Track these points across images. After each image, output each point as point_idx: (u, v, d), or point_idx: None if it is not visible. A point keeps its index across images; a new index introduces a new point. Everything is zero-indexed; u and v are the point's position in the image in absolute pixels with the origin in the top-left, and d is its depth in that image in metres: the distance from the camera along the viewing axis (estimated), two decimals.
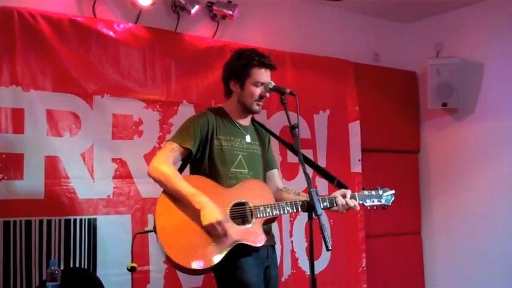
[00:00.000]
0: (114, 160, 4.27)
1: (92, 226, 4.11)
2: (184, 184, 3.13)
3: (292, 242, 5.09)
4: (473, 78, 5.80)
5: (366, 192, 3.46)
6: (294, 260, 5.10)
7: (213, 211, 3.07)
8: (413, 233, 6.16)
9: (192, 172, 3.39)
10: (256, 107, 3.40)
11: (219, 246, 3.09)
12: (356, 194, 3.41)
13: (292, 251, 5.09)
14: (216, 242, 3.09)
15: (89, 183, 4.13)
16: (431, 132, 6.20)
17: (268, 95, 3.41)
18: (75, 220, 4.05)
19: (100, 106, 4.23)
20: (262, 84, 3.36)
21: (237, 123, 3.44)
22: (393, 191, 3.52)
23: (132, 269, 3.40)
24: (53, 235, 3.95)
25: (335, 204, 3.31)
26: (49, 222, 3.94)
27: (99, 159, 4.19)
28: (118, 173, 4.26)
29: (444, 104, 5.80)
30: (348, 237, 5.47)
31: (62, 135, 4.07)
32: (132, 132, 4.36)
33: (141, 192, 4.33)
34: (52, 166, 3.99)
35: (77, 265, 4.02)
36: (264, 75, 3.38)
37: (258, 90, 3.36)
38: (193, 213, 3.09)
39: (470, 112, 5.85)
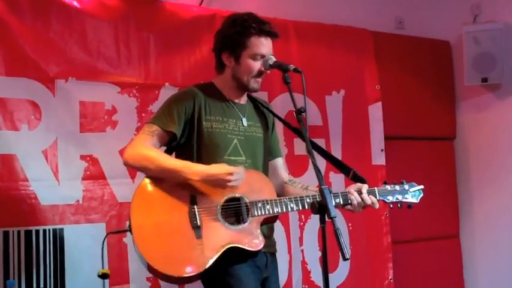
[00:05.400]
0: (83, 157, 4.27)
1: (58, 238, 4.11)
2: (172, 159, 3.20)
3: (302, 251, 5.12)
4: None
5: (388, 187, 3.44)
6: (306, 273, 5.11)
7: (219, 166, 3.14)
8: (451, 236, 6.18)
9: None
10: (254, 85, 3.39)
11: (208, 249, 3.10)
12: (376, 189, 3.40)
13: (303, 262, 5.11)
14: (205, 244, 3.10)
15: (53, 186, 4.14)
16: (470, 114, 6.21)
17: (268, 71, 3.40)
18: (37, 231, 4.04)
19: (64, 92, 4.23)
20: (262, 56, 3.35)
21: (231, 101, 3.44)
22: (421, 186, 3.49)
23: (103, 276, 3.41)
24: (10, 250, 3.94)
25: (350, 202, 3.31)
26: (6, 234, 3.93)
27: (64, 156, 4.19)
28: (88, 173, 4.27)
29: (484, 80, 5.83)
30: (371, 244, 5.48)
31: (19, 128, 4.07)
32: (104, 123, 4.37)
33: (117, 195, 4.34)
34: (7, 166, 3.99)
35: (41, 285, 4.02)
36: (264, 46, 3.35)
37: (256, 65, 3.35)
38: (178, 209, 3.12)
39: None
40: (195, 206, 3.15)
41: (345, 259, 2.72)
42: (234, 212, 3.21)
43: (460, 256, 6.18)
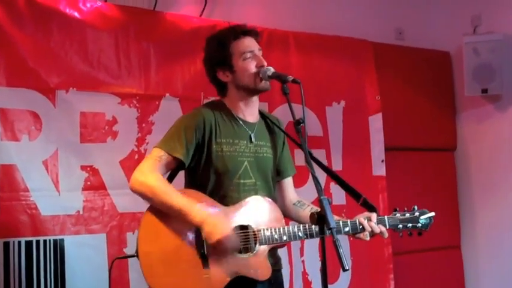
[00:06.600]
0: (83, 168, 4.26)
1: (59, 248, 4.09)
2: (176, 196, 3.10)
3: (303, 262, 5.10)
4: None
5: (398, 215, 3.41)
6: (307, 284, 5.10)
7: (219, 224, 3.04)
8: (452, 247, 6.17)
9: (187, 184, 3.36)
10: (259, 83, 3.30)
11: (215, 280, 3.07)
12: (386, 217, 3.39)
13: (304, 273, 5.10)
14: (212, 274, 3.07)
15: (53, 196, 4.13)
16: (470, 125, 6.21)
17: (265, 63, 3.32)
18: (37, 242, 4.03)
19: (65, 103, 4.23)
20: (251, 52, 3.32)
21: (241, 120, 3.37)
22: (432, 214, 3.45)
23: None
24: (11, 260, 3.93)
25: (359, 230, 3.29)
26: (6, 245, 3.92)
27: (65, 167, 4.18)
28: (89, 183, 4.26)
29: (484, 90, 5.82)
30: (372, 255, 5.45)
31: (19, 139, 4.06)
32: (104, 133, 4.37)
33: (117, 206, 4.33)
34: (7, 177, 3.98)
35: None
36: (247, 43, 3.34)
37: (250, 62, 3.30)
38: (185, 237, 3.08)
39: None
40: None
41: (344, 270, 2.69)
42: (242, 240, 3.16)
43: (461, 267, 6.16)
